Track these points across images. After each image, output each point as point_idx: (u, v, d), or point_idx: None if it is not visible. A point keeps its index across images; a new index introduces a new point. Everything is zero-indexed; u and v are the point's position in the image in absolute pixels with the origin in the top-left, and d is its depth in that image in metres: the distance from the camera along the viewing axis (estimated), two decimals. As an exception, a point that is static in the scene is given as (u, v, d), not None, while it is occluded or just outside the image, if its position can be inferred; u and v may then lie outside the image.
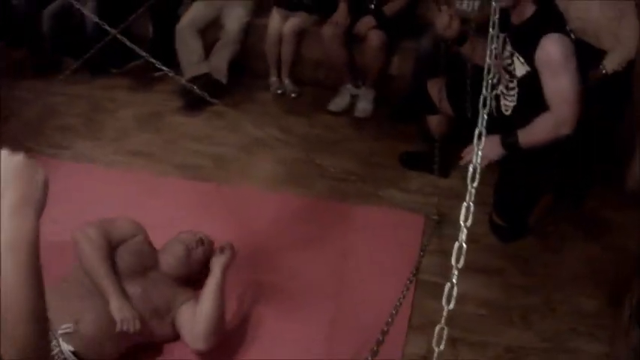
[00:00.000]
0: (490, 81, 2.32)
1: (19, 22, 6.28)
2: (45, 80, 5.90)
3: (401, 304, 3.26)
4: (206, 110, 5.31)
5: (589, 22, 3.96)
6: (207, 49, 5.66)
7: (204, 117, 5.30)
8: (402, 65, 5.28)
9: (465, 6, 4.74)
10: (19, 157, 1.25)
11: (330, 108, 5.36)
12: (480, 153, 1.98)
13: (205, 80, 5.32)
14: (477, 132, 2.05)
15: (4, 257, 1.13)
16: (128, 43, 4.00)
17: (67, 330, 2.81)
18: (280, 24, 5.51)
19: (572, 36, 3.33)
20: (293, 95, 5.63)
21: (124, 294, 2.97)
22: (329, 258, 3.78)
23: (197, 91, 4.18)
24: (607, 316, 3.37)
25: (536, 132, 3.38)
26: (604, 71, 3.92)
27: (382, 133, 5.04)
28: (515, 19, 3.33)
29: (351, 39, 5.23)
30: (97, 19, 4.22)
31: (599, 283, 3.59)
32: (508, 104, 3.55)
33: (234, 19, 5.59)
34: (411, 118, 4.92)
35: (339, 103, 5.38)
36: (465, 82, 3.78)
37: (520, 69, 3.40)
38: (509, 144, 3.41)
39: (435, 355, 1.77)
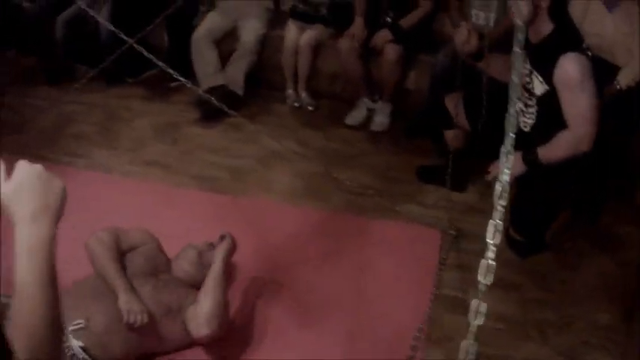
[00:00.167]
0: (512, 98, 2.42)
1: (31, 29, 6.33)
2: (58, 88, 6.00)
3: (428, 318, 3.39)
4: (223, 122, 5.39)
5: (604, 37, 4.05)
6: (223, 61, 5.73)
7: (220, 129, 5.37)
8: (418, 79, 5.35)
9: (480, 20, 4.82)
10: (37, 167, 1.38)
11: (346, 121, 5.44)
12: (507, 172, 2.07)
13: (221, 92, 5.40)
14: (503, 151, 2.14)
15: (23, 261, 1.26)
16: (145, 53, 4.08)
17: (78, 326, 2.90)
18: (297, 36, 5.58)
19: (589, 53, 3.41)
20: (310, 108, 5.71)
21: (133, 290, 3.06)
22: (346, 272, 3.84)
23: (215, 102, 4.26)
24: (620, 330, 3.46)
25: (556, 149, 3.46)
26: (618, 87, 3.99)
27: (399, 147, 5.12)
28: (533, 37, 3.41)
29: (368, 52, 5.30)
30: (113, 28, 4.31)
31: (613, 298, 3.67)
32: (527, 121, 3.63)
33: (251, 31, 5.67)
34: (427, 132, 4.98)
35: (355, 116, 5.46)
36: (482, 97, 3.87)
37: (539, 88, 3.49)
38: (530, 160, 3.49)
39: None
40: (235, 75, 5.65)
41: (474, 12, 4.89)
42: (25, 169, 1.38)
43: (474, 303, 2.00)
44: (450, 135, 4.36)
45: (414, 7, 5.21)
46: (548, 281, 3.84)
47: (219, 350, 3.26)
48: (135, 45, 4.22)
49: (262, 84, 6.00)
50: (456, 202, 4.35)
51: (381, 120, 5.38)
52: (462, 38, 3.86)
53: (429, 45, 5.30)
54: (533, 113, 3.61)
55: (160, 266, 3.38)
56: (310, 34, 5.56)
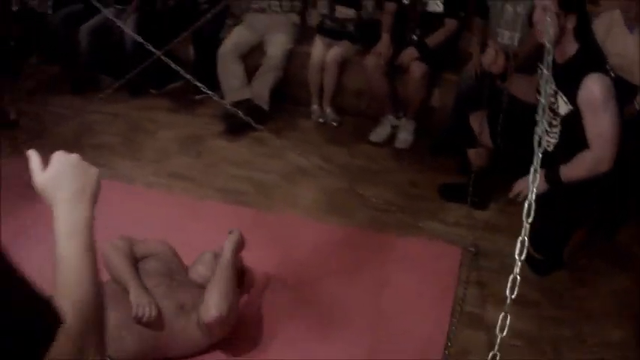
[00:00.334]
0: (540, 119, 2.54)
1: (54, 38, 6.49)
2: (81, 97, 6.16)
3: (454, 334, 3.51)
4: (247, 136, 5.52)
5: (625, 57, 4.15)
6: (249, 75, 5.86)
7: (245, 142, 5.50)
8: (442, 97, 5.48)
9: (505, 40, 4.93)
10: (74, 155, 1.52)
11: (371, 138, 5.56)
12: (534, 190, 2.19)
13: (247, 106, 5.50)
14: (532, 169, 2.26)
15: (66, 241, 1.39)
16: (173, 65, 4.22)
17: None
18: (323, 52, 5.72)
19: (612, 74, 3.51)
20: (334, 124, 5.84)
21: (145, 287, 3.20)
22: (368, 287, 3.94)
23: (242, 116, 4.37)
24: (634, 347, 3.56)
25: (577, 169, 3.55)
26: (638, 107, 4.10)
27: (422, 165, 5.24)
28: (559, 57, 3.49)
29: (394, 70, 5.43)
30: (141, 40, 4.45)
31: (628, 316, 3.76)
32: (550, 141, 3.72)
33: (277, 46, 5.81)
34: (451, 150, 5.09)
35: (380, 133, 5.57)
36: (507, 116, 4.00)
37: (563, 108, 3.58)
38: (552, 179, 3.57)
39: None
40: (261, 89, 5.77)
41: (499, 31, 5.02)
42: (62, 157, 1.51)
43: (501, 316, 2.10)
44: (473, 153, 4.48)
45: (440, 26, 5.33)
46: (564, 299, 3.93)
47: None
48: (162, 57, 4.38)
49: (287, 99, 6.12)
50: (476, 220, 4.46)
51: (405, 137, 5.49)
52: (490, 58, 3.98)
53: (453, 63, 5.44)
54: (556, 133, 3.70)
55: (175, 270, 3.50)
56: (337, 50, 5.69)
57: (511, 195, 3.82)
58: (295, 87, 6.07)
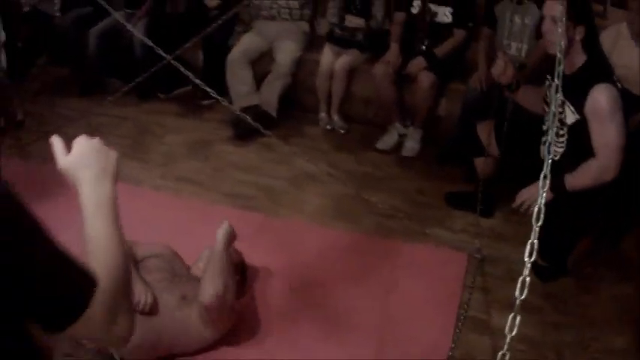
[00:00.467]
0: (549, 128, 2.58)
1: (64, 41, 6.60)
2: (89, 100, 6.28)
3: (458, 339, 3.59)
4: (255, 141, 5.63)
5: (631, 69, 4.26)
6: (258, 81, 5.98)
7: (253, 148, 5.62)
8: (449, 107, 5.58)
9: (512, 51, 5.05)
10: (96, 139, 1.68)
11: (378, 146, 5.67)
12: (544, 195, 2.28)
13: (255, 112, 5.58)
14: (542, 175, 2.35)
15: (93, 214, 1.54)
16: (183, 70, 4.32)
17: None
18: (332, 60, 5.83)
19: (619, 85, 3.61)
20: (342, 131, 5.96)
21: (141, 277, 3.36)
22: (374, 292, 4.03)
23: (251, 122, 4.46)
24: (636, 354, 3.64)
25: (582, 177, 3.63)
26: None
27: (429, 173, 5.36)
28: (567, 68, 3.47)
29: (402, 79, 5.54)
30: (151, 44, 4.55)
31: (630, 323, 3.83)
32: (557, 150, 3.79)
33: (286, 53, 5.92)
34: (457, 159, 5.19)
35: (387, 141, 5.68)
36: (514, 126, 4.09)
37: (570, 117, 3.67)
38: (557, 188, 3.60)
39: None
40: (269, 96, 5.88)
41: (505, 42, 5.12)
42: (85, 141, 1.67)
43: (510, 317, 2.17)
44: (480, 162, 4.56)
45: (449, 36, 5.45)
46: (568, 305, 4.01)
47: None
48: (172, 62, 4.48)
49: (295, 106, 6.23)
50: (482, 228, 4.53)
51: (411, 145, 5.58)
52: (499, 69, 4.08)
53: (461, 73, 5.54)
54: (563, 142, 3.78)
55: (176, 267, 3.66)
56: (346, 58, 5.80)
57: (514, 205, 3.90)
58: (303, 94, 6.19)
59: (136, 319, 3.21)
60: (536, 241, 2.24)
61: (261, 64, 6.10)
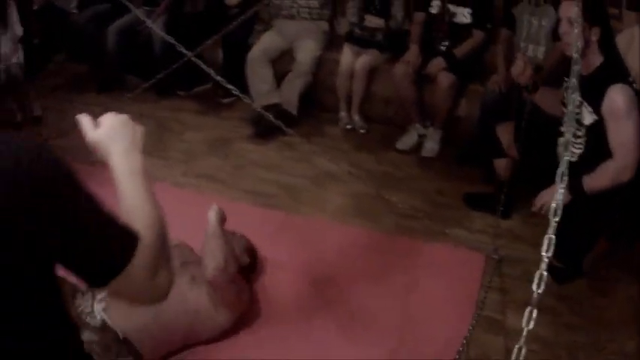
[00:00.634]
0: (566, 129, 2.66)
1: (81, 38, 6.76)
2: (107, 96, 6.46)
3: (471, 338, 3.58)
4: (276, 140, 5.78)
5: None
6: (278, 80, 6.14)
7: (273, 146, 5.76)
8: (468, 107, 5.68)
9: (529, 52, 5.17)
10: (123, 115, 1.86)
11: (397, 146, 5.80)
12: (562, 192, 2.40)
13: (275, 110, 5.68)
14: (559, 172, 2.45)
15: (126, 181, 1.71)
16: (205, 68, 4.43)
17: (103, 295, 3.31)
18: (352, 60, 5.97)
19: (635, 86, 3.72)
20: (361, 131, 6.10)
21: None
22: (392, 291, 4.13)
23: (272, 120, 4.57)
24: None
25: (600, 178, 3.73)
26: None
27: (448, 173, 5.48)
28: (583, 69, 3.61)
29: (421, 79, 5.66)
30: (173, 41, 4.66)
31: None
32: (575, 151, 3.89)
33: (307, 52, 6.06)
34: (476, 160, 5.30)
35: (406, 141, 5.81)
36: (533, 128, 4.21)
37: (588, 118, 3.79)
38: (575, 189, 3.71)
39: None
40: (290, 95, 6.01)
41: (522, 44, 5.26)
42: (113, 117, 1.85)
43: (527, 310, 2.24)
44: (500, 164, 4.70)
45: (468, 37, 5.59)
46: (583, 306, 4.06)
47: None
48: (193, 59, 4.60)
49: (315, 105, 6.37)
50: (500, 229, 4.61)
51: (431, 146, 5.70)
52: (518, 69, 4.23)
53: (479, 74, 5.66)
54: (581, 143, 3.89)
55: (186, 254, 3.82)
56: (365, 58, 5.94)
57: (534, 208, 4.00)
58: (323, 93, 6.33)
59: (153, 313, 3.30)
60: (553, 236, 2.32)
61: (281, 63, 6.24)
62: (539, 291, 2.29)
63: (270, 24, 6.52)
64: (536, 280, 2.30)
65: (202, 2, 6.68)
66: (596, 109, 3.74)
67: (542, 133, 4.26)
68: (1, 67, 5.67)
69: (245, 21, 5.38)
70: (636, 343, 3.84)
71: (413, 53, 5.71)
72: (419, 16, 5.82)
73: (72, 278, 1.62)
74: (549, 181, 3.45)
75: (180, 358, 3.57)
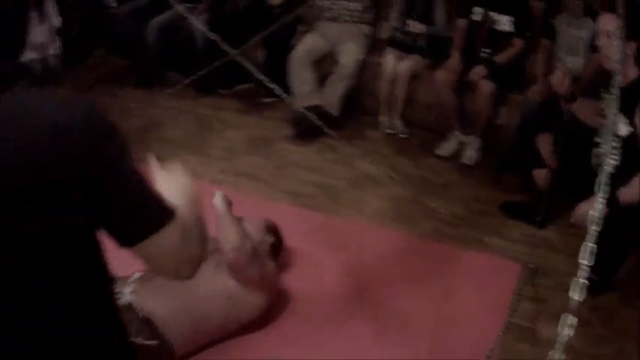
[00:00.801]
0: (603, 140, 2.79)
1: (120, 32, 6.96)
2: (147, 91, 6.66)
3: (500, 345, 3.80)
4: (316, 141, 5.92)
5: None
6: (320, 81, 6.26)
7: (314, 148, 5.90)
8: (508, 116, 5.79)
9: (568, 63, 5.28)
10: (187, 178, 1.98)
11: (437, 152, 5.93)
12: (601, 201, 2.56)
13: (317, 112, 5.92)
14: (598, 182, 2.64)
15: (189, 210, 1.80)
16: (248, 67, 4.60)
17: (133, 277, 3.49)
18: (394, 64, 6.10)
19: None
20: (402, 136, 6.23)
21: None
22: (428, 295, 4.25)
23: (315, 121, 4.72)
24: None
25: (634, 190, 3.85)
26: None
27: (486, 181, 5.59)
28: (620, 81, 3.63)
29: (462, 86, 5.80)
30: (217, 39, 4.80)
31: None
32: (610, 162, 3.75)
33: (349, 55, 6.19)
34: (515, 169, 5.39)
35: (446, 148, 5.94)
36: (571, 138, 4.38)
37: (624, 129, 3.94)
38: (610, 201, 3.63)
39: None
40: (332, 97, 6.16)
41: (561, 55, 5.42)
42: (166, 181, 1.96)
43: (563, 317, 2.39)
44: (539, 174, 4.82)
45: (508, 45, 5.74)
46: (615, 319, 4.13)
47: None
48: (238, 58, 4.74)
49: (357, 108, 6.51)
50: (537, 238, 4.76)
51: (471, 154, 5.85)
52: (558, 79, 4.39)
53: (519, 83, 5.80)
54: (617, 155, 3.80)
55: (213, 246, 3.78)
56: (408, 63, 6.08)
57: (573, 220, 4.14)
58: (364, 97, 6.46)
59: (181, 300, 3.47)
60: (593, 245, 2.45)
61: (323, 65, 6.37)
62: (578, 298, 2.45)
63: (312, 25, 6.61)
64: (574, 288, 2.44)
65: (243, 1, 6.78)
66: (632, 120, 3.90)
67: (579, 144, 4.41)
68: (37, 57, 5.78)
69: (288, 22, 5.54)
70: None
71: (455, 60, 5.86)
72: (461, 23, 5.98)
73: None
74: (586, 192, 3.62)
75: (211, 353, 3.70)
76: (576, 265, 3.95)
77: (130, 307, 3.35)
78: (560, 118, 4.56)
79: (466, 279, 4.47)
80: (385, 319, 4.07)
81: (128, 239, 1.67)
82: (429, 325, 4.05)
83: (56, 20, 5.86)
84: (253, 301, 3.75)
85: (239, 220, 3.86)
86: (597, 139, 4.19)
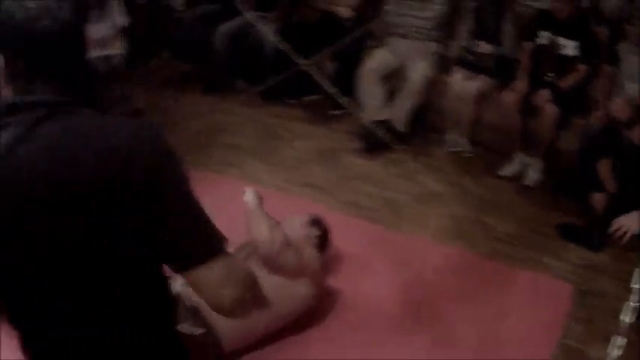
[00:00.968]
0: None
1: (188, 36, 7.18)
2: (212, 97, 6.90)
3: None
4: (382, 156, 6.12)
5: None
6: (388, 96, 6.43)
7: (380, 162, 6.10)
8: (569, 140, 5.90)
9: (630, 90, 5.37)
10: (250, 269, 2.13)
11: (500, 172, 6.14)
12: None
13: (385, 127, 6.14)
14: None
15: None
16: (319, 79, 4.74)
17: None
18: (462, 83, 6.25)
19: None
20: (467, 155, 6.38)
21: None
22: (483, 313, 4.41)
23: (382, 135, 4.87)
24: None
25: None
26: None
27: (545, 203, 5.71)
28: None
29: (527, 108, 5.93)
30: (289, 49, 4.97)
31: None
32: None
33: (418, 72, 6.34)
34: (572, 192, 5.54)
35: (509, 169, 6.14)
36: (630, 164, 4.55)
37: None
38: None
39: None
40: (400, 112, 6.35)
41: (623, 82, 5.51)
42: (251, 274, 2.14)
43: (613, 338, 2.57)
44: (597, 198, 4.99)
45: (572, 70, 5.89)
46: None
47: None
48: (308, 69, 4.89)
49: (423, 125, 6.66)
50: (591, 261, 4.95)
51: (533, 175, 6.02)
52: (618, 106, 4.62)
53: (582, 108, 5.93)
54: None
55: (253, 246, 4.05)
56: (475, 83, 6.22)
57: (611, 230, 4.33)
58: (431, 114, 6.62)
59: None
60: None
61: (392, 80, 6.51)
62: (629, 320, 2.62)
63: (382, 41, 6.74)
64: (625, 312, 2.70)
65: (314, 13, 6.98)
66: None
67: (637, 170, 4.58)
68: (102, 55, 6.05)
69: (359, 36, 5.74)
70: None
71: (522, 82, 5.99)
72: (527, 46, 6.10)
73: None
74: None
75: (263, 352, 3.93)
76: (625, 290, 4.19)
77: (178, 296, 3.44)
78: (621, 144, 4.73)
79: (521, 299, 4.60)
80: (440, 336, 4.24)
81: (185, 263, 1.79)
82: (483, 343, 4.20)
83: (122, 20, 6.17)
84: (300, 291, 3.97)
85: (276, 222, 4.05)
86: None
